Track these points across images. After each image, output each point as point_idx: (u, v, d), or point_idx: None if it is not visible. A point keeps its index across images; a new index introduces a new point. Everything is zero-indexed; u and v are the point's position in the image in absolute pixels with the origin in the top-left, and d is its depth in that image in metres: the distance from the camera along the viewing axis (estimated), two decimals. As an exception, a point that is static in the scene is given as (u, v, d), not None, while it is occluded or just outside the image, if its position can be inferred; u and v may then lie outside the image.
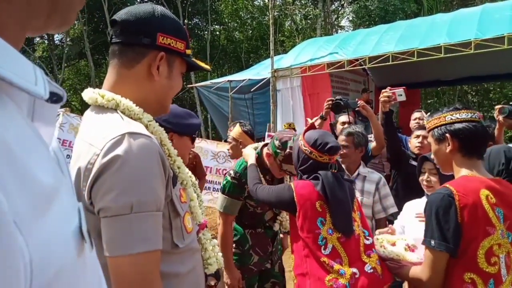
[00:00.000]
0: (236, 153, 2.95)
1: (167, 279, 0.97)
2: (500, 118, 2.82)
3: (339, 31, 17.75)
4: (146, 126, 1.00)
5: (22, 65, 0.34)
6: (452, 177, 1.54)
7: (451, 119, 1.49)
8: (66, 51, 15.78)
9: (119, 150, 0.85)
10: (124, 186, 0.85)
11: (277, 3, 15.63)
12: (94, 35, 15.80)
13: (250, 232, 2.30)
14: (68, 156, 2.09)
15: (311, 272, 1.60)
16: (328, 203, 1.64)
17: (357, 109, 3.09)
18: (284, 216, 2.31)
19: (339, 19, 18.51)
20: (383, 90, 2.93)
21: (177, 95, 1.21)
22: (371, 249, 1.68)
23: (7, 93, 0.33)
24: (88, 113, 1.03)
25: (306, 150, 1.73)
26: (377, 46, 6.55)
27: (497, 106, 2.90)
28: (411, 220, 2.03)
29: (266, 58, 12.17)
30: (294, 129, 5.12)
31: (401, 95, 2.91)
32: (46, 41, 17.01)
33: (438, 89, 14.57)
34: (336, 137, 2.64)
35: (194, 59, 1.13)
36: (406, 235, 1.89)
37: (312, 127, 1.89)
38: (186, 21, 15.25)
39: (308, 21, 16.32)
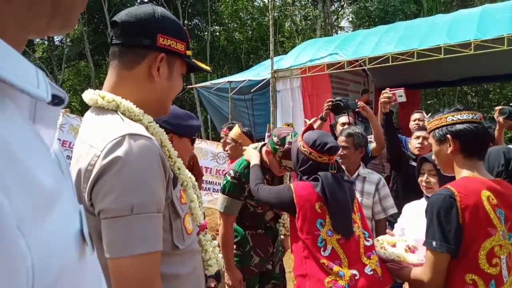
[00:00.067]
0: (235, 154, 2.95)
1: (168, 281, 0.97)
2: (500, 119, 2.82)
3: (339, 32, 17.77)
4: (147, 128, 1.00)
5: (24, 68, 0.34)
6: (451, 178, 1.54)
7: (452, 120, 1.49)
8: (66, 52, 15.79)
9: (119, 152, 0.85)
10: (125, 188, 0.85)
11: (277, 4, 15.66)
12: (94, 36, 15.81)
13: (250, 233, 2.30)
14: (68, 157, 2.10)
15: (310, 274, 1.60)
16: (327, 204, 1.64)
17: (357, 110, 3.09)
18: (286, 218, 2.31)
19: (339, 20, 18.54)
20: (383, 91, 2.93)
21: (177, 96, 1.21)
22: (372, 251, 1.67)
23: (9, 95, 0.33)
24: (88, 114, 1.03)
25: (305, 151, 1.72)
26: (377, 47, 6.55)
27: (497, 107, 2.90)
28: (411, 221, 2.03)
29: (266, 59, 12.18)
30: (292, 129, 5.12)
31: (401, 96, 2.92)
32: (46, 42, 17.01)
33: (438, 90, 14.57)
34: (336, 138, 2.64)
35: (194, 60, 1.13)
36: (407, 236, 1.89)
37: (310, 128, 1.88)
38: (186, 22, 15.27)
39: (308, 22, 16.33)
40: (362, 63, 6.65)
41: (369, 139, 2.86)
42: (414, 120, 3.64)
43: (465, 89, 15.31)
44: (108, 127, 0.93)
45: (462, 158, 1.47)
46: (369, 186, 2.53)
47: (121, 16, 1.01)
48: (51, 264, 0.31)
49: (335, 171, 1.73)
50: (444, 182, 1.57)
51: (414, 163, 2.66)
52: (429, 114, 3.51)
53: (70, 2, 0.44)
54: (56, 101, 0.37)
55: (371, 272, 1.59)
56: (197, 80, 14.93)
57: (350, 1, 16.62)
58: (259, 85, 7.95)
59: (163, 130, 1.07)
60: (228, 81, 8.81)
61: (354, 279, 1.55)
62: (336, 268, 1.56)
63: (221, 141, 3.75)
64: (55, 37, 16.65)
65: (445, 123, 1.50)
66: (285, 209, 1.92)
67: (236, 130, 3.04)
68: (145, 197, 0.86)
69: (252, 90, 8.12)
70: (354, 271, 1.57)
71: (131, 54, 1.00)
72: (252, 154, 2.16)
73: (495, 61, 6.68)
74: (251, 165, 2.08)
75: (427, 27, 6.63)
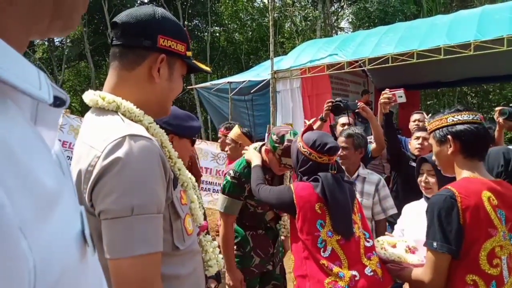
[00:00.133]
0: (235, 154, 2.95)
1: (168, 281, 0.97)
2: (500, 120, 2.82)
3: (339, 32, 17.78)
4: (147, 128, 1.00)
5: (26, 69, 0.34)
6: (449, 178, 1.54)
7: (453, 120, 1.49)
8: (66, 53, 15.79)
9: (119, 152, 0.85)
10: (125, 188, 0.85)
11: (277, 4, 15.68)
12: (94, 37, 15.81)
13: (251, 234, 2.29)
14: (68, 158, 2.09)
15: (310, 274, 1.60)
16: (328, 205, 1.64)
17: (357, 110, 3.09)
18: (287, 219, 2.31)
19: (339, 20, 18.55)
20: (383, 92, 2.93)
21: (177, 97, 1.21)
22: (372, 252, 1.67)
23: (11, 96, 0.33)
24: (88, 115, 1.03)
25: (305, 151, 1.72)
26: (377, 48, 6.55)
27: (497, 108, 2.90)
28: (411, 222, 2.03)
29: (266, 59, 12.19)
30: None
31: (401, 96, 2.92)
32: (46, 43, 17.01)
33: (438, 90, 14.57)
34: (336, 138, 2.64)
35: (194, 61, 1.13)
36: (407, 237, 1.89)
37: (309, 128, 1.88)
38: (186, 22, 15.28)
39: (308, 22, 16.33)
40: (362, 64, 6.66)
41: (369, 140, 2.85)
42: (414, 121, 3.64)
43: (465, 89, 15.32)
44: (108, 128, 0.93)
45: (463, 159, 1.47)
46: (369, 187, 2.53)
47: (121, 17, 1.01)
48: (52, 265, 0.31)
49: (335, 172, 1.73)
50: (443, 182, 1.57)
51: (414, 164, 2.66)
52: (429, 115, 3.51)
53: (72, 3, 0.44)
54: (57, 102, 0.37)
55: (371, 273, 1.59)
56: (197, 81, 14.93)
57: (350, 2, 16.64)
58: (259, 86, 7.95)
59: (163, 131, 1.07)
60: (228, 82, 8.81)
61: (354, 280, 1.55)
62: (336, 269, 1.56)
63: (219, 141, 3.72)
64: (55, 38, 16.64)
65: (446, 124, 1.50)
66: (285, 210, 1.92)
67: (236, 131, 3.04)
68: (146, 198, 0.86)
69: (252, 91, 8.12)
70: (354, 272, 1.56)
71: (132, 55, 1.00)
72: (253, 154, 2.16)
73: (494, 62, 6.69)
74: (252, 166, 2.08)
75: (427, 27, 6.64)
